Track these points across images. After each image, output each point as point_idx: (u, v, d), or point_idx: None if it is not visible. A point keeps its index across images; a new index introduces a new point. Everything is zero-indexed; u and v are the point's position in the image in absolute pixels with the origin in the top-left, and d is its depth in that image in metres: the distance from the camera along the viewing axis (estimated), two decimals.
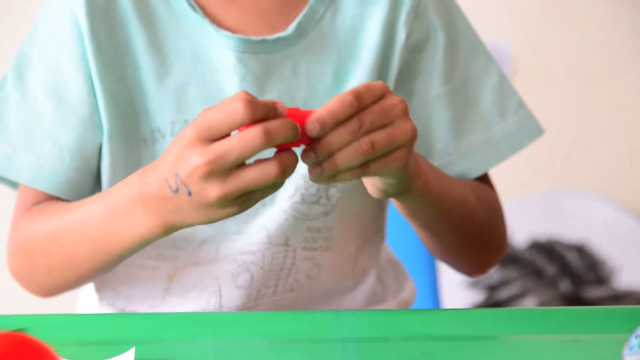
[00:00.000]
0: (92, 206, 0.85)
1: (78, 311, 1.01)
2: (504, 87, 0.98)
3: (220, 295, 0.93)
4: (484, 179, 1.00)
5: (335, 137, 0.73)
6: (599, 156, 2.04)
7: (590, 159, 2.04)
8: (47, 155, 0.92)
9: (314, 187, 0.92)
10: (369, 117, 0.74)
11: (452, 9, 0.98)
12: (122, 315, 0.83)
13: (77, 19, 0.92)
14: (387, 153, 0.75)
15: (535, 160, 2.00)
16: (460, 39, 0.97)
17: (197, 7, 0.92)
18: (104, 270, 0.88)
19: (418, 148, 0.96)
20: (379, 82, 0.76)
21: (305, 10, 0.93)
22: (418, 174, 0.82)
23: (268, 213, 0.92)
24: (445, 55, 0.96)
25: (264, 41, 0.92)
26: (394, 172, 0.77)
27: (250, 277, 0.92)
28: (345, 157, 0.74)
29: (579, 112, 2.03)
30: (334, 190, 0.93)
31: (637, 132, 2.03)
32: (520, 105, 0.99)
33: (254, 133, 0.72)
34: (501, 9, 2.00)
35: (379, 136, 0.74)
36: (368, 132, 0.74)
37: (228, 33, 0.92)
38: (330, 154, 0.74)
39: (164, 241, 0.91)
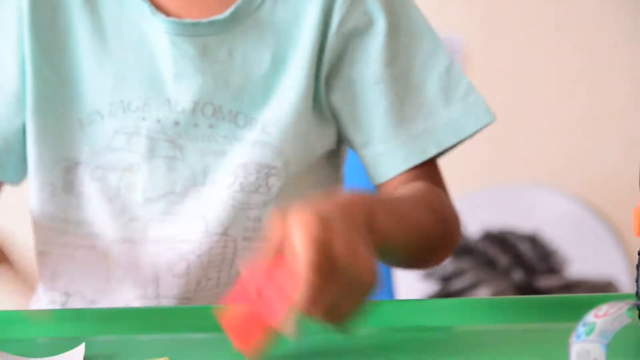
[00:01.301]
0: None
1: (33, 306, 1.01)
2: (452, 73, 0.97)
3: (158, 284, 0.93)
4: (432, 171, 0.98)
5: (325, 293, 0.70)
6: (549, 148, 2.06)
7: (541, 151, 2.07)
8: None
9: (252, 175, 0.92)
10: (330, 287, 0.70)
11: None
12: (69, 310, 0.83)
13: (20, 1, 0.93)
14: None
15: (488, 153, 2.02)
16: (404, 25, 0.96)
17: None
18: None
19: (358, 135, 0.96)
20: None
21: None
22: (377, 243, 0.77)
23: (204, 201, 0.93)
24: (387, 41, 0.95)
25: (197, 24, 0.92)
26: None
27: (187, 266, 0.92)
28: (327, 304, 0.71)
29: (530, 105, 2.05)
30: (274, 179, 0.93)
31: (586, 125, 2.06)
32: (469, 91, 0.97)
33: None
34: (453, 3, 2.01)
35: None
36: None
37: (162, 16, 0.93)
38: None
39: (91, 216, 0.92)
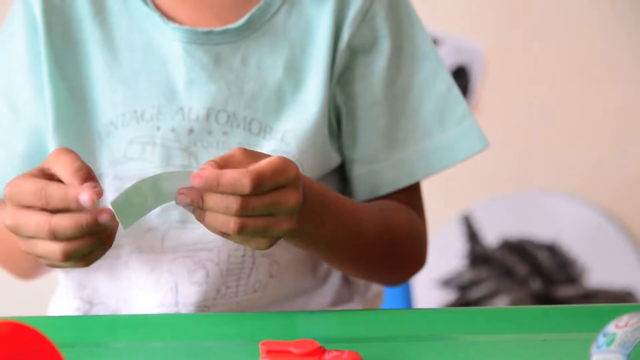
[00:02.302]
0: None
1: (50, 311, 1.01)
2: (450, 97, 0.97)
3: (177, 292, 0.93)
4: (413, 189, 0.99)
5: (210, 202, 0.75)
6: (569, 156, 2.06)
7: (561, 159, 2.06)
8: (3, 161, 0.96)
9: None
10: (253, 204, 0.76)
11: (404, 17, 0.97)
12: (90, 317, 0.83)
13: (33, 14, 0.94)
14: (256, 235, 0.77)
15: (506, 161, 2.02)
16: (407, 48, 0.97)
17: (148, 1, 0.94)
18: (29, 267, 0.97)
19: (351, 150, 0.97)
20: (291, 171, 0.77)
21: (259, 4, 0.94)
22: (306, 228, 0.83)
23: None
24: (389, 63, 0.96)
25: (211, 32, 0.93)
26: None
27: (206, 274, 0.92)
28: (213, 222, 0.76)
29: (549, 112, 2.05)
30: None
31: (607, 133, 2.05)
32: (465, 116, 0.97)
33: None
34: (472, 9, 2.01)
35: (253, 223, 0.76)
36: (245, 215, 0.75)
37: (176, 25, 0.93)
38: (203, 209, 0.76)
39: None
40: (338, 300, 0.99)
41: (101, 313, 0.95)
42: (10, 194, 0.78)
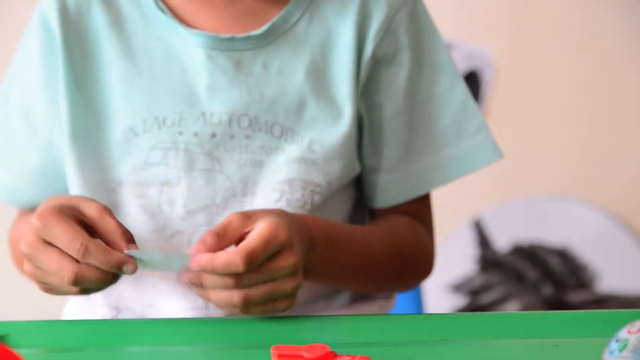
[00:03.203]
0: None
1: (65, 316, 1.02)
2: (466, 109, 0.99)
3: None
4: (423, 201, 1.01)
5: (209, 282, 0.78)
6: (581, 162, 2.05)
7: (572, 164, 2.05)
8: (20, 175, 0.98)
9: (299, 192, 0.93)
10: (249, 277, 0.78)
11: (424, 29, 0.98)
12: (104, 321, 0.83)
13: (50, 28, 0.95)
14: (267, 301, 0.80)
15: (518, 166, 2.01)
16: (427, 60, 0.98)
17: (166, 10, 0.95)
18: None
19: (370, 161, 0.98)
20: (281, 236, 0.79)
21: (281, 13, 0.95)
22: (311, 272, 0.86)
23: None
24: (410, 74, 0.97)
25: (233, 39, 0.94)
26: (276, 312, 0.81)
27: None
28: (218, 299, 0.79)
29: (561, 118, 2.04)
30: (318, 197, 0.94)
31: (618, 138, 2.04)
32: (481, 128, 0.99)
33: None
34: (484, 16, 2.01)
35: (255, 292, 0.79)
36: (245, 287, 0.78)
37: (198, 31, 0.94)
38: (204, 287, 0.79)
39: (137, 233, 0.93)
40: (357, 297, 0.99)
41: (127, 318, 0.95)
42: (37, 227, 0.79)
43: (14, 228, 1.01)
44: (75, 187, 0.95)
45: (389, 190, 0.99)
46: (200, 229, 0.93)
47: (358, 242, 0.93)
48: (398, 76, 0.97)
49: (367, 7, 0.95)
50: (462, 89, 0.99)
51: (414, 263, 0.99)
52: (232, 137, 0.93)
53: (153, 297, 0.94)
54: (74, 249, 0.78)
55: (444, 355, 0.78)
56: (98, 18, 0.95)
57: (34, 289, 1.10)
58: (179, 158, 0.93)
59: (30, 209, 1.00)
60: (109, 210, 0.82)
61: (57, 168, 0.97)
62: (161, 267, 0.82)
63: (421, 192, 0.99)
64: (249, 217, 0.81)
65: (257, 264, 0.78)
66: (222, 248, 0.79)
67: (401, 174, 0.98)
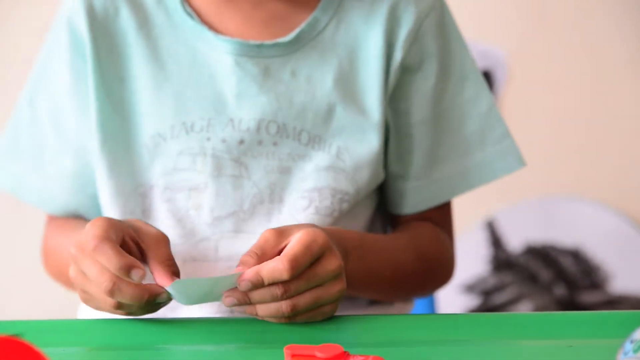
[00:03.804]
0: (65, 238, 0.94)
1: (80, 316, 1.02)
2: (491, 116, 0.99)
3: None
4: (444, 208, 1.01)
5: (256, 296, 0.78)
6: (594, 162, 2.04)
7: (585, 164, 2.04)
8: (50, 179, 0.98)
9: (327, 200, 0.94)
10: (296, 285, 0.78)
11: (451, 35, 0.98)
12: (118, 320, 0.83)
13: (78, 33, 0.94)
14: (314, 307, 0.80)
15: (530, 166, 2.00)
16: (453, 67, 0.98)
17: (194, 14, 0.94)
18: None
19: (395, 167, 0.98)
20: (320, 239, 0.79)
21: (308, 19, 0.94)
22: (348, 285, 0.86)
23: (275, 220, 0.94)
24: (437, 81, 0.97)
25: (261, 45, 0.93)
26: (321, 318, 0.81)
27: None
28: (267, 311, 0.79)
29: (573, 118, 2.03)
30: (346, 205, 0.94)
31: (631, 138, 2.03)
32: (504, 135, 0.99)
33: None
34: (496, 16, 2.00)
35: (303, 300, 0.78)
36: (292, 296, 0.78)
37: (226, 37, 0.93)
38: (252, 303, 0.78)
39: None
40: (363, 309, 0.99)
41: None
42: (93, 247, 0.79)
43: (48, 237, 1.01)
44: (105, 192, 0.95)
45: (414, 197, 0.98)
46: (227, 235, 0.93)
47: (387, 251, 0.93)
48: (425, 83, 0.96)
49: (396, 13, 0.95)
50: (487, 96, 0.99)
51: (438, 269, 1.00)
52: (260, 143, 0.93)
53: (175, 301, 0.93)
54: (100, 284, 0.78)
55: (457, 355, 0.78)
56: (126, 21, 0.94)
57: (50, 288, 1.11)
58: (206, 164, 0.93)
59: (61, 216, 1.00)
60: (168, 242, 0.82)
61: (88, 173, 0.97)
62: (203, 299, 0.80)
63: (445, 199, 0.99)
64: (282, 233, 0.80)
65: (302, 269, 0.77)
66: None
67: (426, 180, 0.98)
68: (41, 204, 0.99)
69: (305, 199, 0.93)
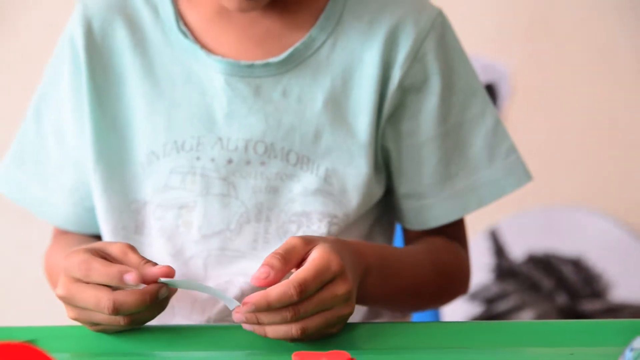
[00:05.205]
0: (60, 256, 0.92)
1: None
2: (497, 132, 0.97)
3: (220, 310, 0.92)
4: (458, 223, 1.00)
5: (265, 319, 0.76)
6: (595, 173, 2.04)
7: (586, 176, 2.04)
8: (52, 191, 0.98)
9: (315, 224, 0.93)
10: (305, 307, 0.76)
11: (454, 54, 0.96)
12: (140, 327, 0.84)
13: (77, 52, 0.95)
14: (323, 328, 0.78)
15: (533, 177, 2.00)
16: (458, 85, 0.96)
17: (188, 33, 0.94)
18: None
19: (404, 186, 0.97)
20: (333, 265, 0.77)
21: (304, 38, 0.93)
22: (363, 299, 0.85)
23: (261, 240, 0.93)
24: (441, 100, 0.95)
25: (253, 65, 0.92)
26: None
27: (241, 293, 0.92)
28: (276, 334, 0.77)
29: (575, 130, 2.03)
30: (335, 228, 0.93)
31: (632, 150, 2.03)
32: (511, 151, 0.97)
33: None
34: (499, 30, 2.01)
35: (312, 322, 0.77)
36: (301, 318, 0.76)
37: (218, 57, 0.92)
38: (261, 323, 0.77)
39: (156, 254, 0.93)
40: (369, 315, 0.99)
41: None
42: (66, 267, 0.79)
43: (49, 253, 1.01)
44: (101, 206, 0.95)
45: (424, 215, 0.97)
46: (214, 252, 0.92)
47: (406, 265, 0.92)
48: (428, 103, 0.94)
49: (395, 34, 0.93)
50: (492, 112, 0.97)
51: (455, 281, 0.99)
52: (248, 163, 0.92)
53: (170, 319, 0.93)
54: (80, 269, 0.77)
55: None
56: (122, 40, 0.94)
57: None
58: (195, 182, 0.92)
59: (62, 227, 1.01)
60: (133, 248, 0.80)
61: (86, 188, 0.97)
62: (200, 290, 0.80)
63: (457, 217, 0.97)
64: (309, 242, 0.79)
65: (310, 293, 0.76)
66: (287, 271, 0.78)
67: (436, 199, 0.96)
68: (44, 215, 1.00)
69: (294, 223, 0.92)
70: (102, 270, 0.77)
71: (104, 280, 0.77)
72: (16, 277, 1.99)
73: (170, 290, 0.79)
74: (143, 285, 0.78)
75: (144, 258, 0.79)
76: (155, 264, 0.79)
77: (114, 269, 0.77)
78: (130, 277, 0.76)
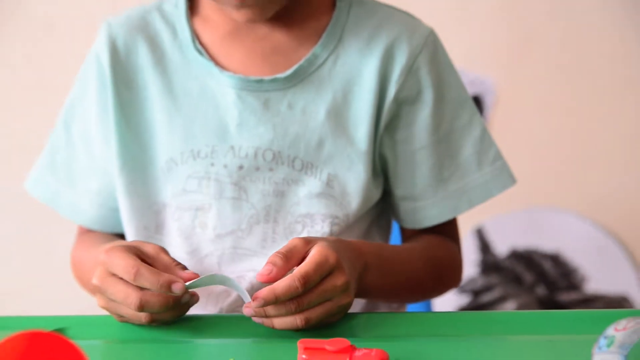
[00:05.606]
0: (89, 252, 0.94)
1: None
2: (485, 139, 0.98)
3: (232, 302, 0.93)
4: (451, 222, 1.01)
5: (272, 312, 0.77)
6: (572, 177, 2.04)
7: (564, 180, 2.04)
8: (80, 195, 0.99)
9: (318, 225, 0.93)
10: (308, 299, 0.77)
11: (444, 68, 0.97)
12: None
13: (103, 68, 0.95)
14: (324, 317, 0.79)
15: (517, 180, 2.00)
16: (448, 96, 0.97)
17: (203, 51, 0.94)
18: None
19: (400, 189, 0.97)
20: (331, 259, 0.78)
21: (307, 55, 0.93)
22: (362, 290, 0.85)
23: (270, 239, 0.93)
24: (433, 111, 0.95)
25: (261, 81, 0.92)
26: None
27: (251, 287, 0.92)
28: (283, 325, 0.78)
29: (554, 138, 2.03)
30: (337, 228, 0.94)
31: (606, 156, 2.03)
32: (497, 156, 0.98)
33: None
34: (485, 47, 2.01)
35: (315, 313, 0.78)
36: (304, 309, 0.77)
37: (230, 73, 0.93)
38: (268, 316, 0.78)
39: (175, 252, 0.93)
40: (367, 307, 0.99)
41: None
42: (104, 262, 0.80)
43: (75, 248, 1.02)
44: (125, 208, 0.95)
45: (419, 215, 0.98)
46: (227, 251, 0.93)
47: (403, 261, 0.93)
48: (421, 113, 0.95)
49: (391, 51, 0.93)
50: (479, 121, 0.98)
51: (448, 275, 0.99)
52: (257, 169, 0.93)
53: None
54: (129, 272, 0.78)
55: (450, 348, 0.78)
56: (144, 58, 0.95)
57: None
58: (210, 187, 0.93)
59: (87, 227, 1.01)
60: (164, 250, 0.81)
61: (110, 191, 0.98)
62: (221, 283, 0.81)
63: (449, 217, 0.98)
64: (309, 241, 0.80)
65: (312, 284, 0.77)
66: (288, 269, 0.79)
67: (430, 200, 0.97)
68: (73, 216, 1.00)
69: (299, 223, 0.93)
70: (152, 278, 0.77)
71: (152, 287, 0.77)
72: (44, 267, 1.99)
73: (193, 299, 0.80)
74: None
75: (174, 260, 0.80)
76: (185, 267, 0.80)
77: (164, 278, 0.77)
78: (178, 287, 0.77)
